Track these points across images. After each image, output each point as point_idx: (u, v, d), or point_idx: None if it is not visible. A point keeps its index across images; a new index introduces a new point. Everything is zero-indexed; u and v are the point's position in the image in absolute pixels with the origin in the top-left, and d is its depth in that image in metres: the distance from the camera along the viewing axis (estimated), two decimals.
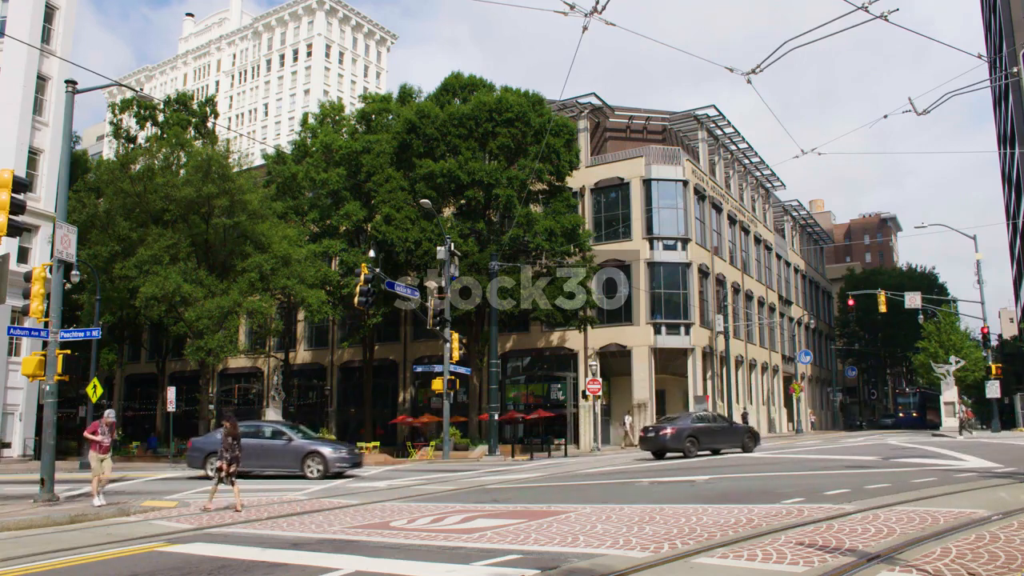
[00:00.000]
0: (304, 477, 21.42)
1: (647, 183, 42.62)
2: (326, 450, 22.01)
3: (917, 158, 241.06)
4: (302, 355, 51.06)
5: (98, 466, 14.66)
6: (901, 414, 67.92)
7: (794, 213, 66.87)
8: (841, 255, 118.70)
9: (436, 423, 37.68)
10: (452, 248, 31.28)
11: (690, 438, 25.43)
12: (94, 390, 29.92)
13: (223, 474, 13.99)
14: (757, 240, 55.26)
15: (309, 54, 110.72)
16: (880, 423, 69.57)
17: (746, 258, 52.53)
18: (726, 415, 38.94)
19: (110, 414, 15.51)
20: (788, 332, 60.51)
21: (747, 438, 27.43)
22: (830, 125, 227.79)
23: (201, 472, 22.03)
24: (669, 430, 25.50)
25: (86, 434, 15.06)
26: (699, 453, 25.63)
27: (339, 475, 22.17)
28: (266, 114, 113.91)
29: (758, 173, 57.79)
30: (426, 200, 32.68)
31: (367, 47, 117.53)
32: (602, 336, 41.02)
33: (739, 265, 50.86)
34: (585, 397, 36.54)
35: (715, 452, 26.55)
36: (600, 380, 35.88)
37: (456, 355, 31.19)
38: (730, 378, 44.27)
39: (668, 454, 25.72)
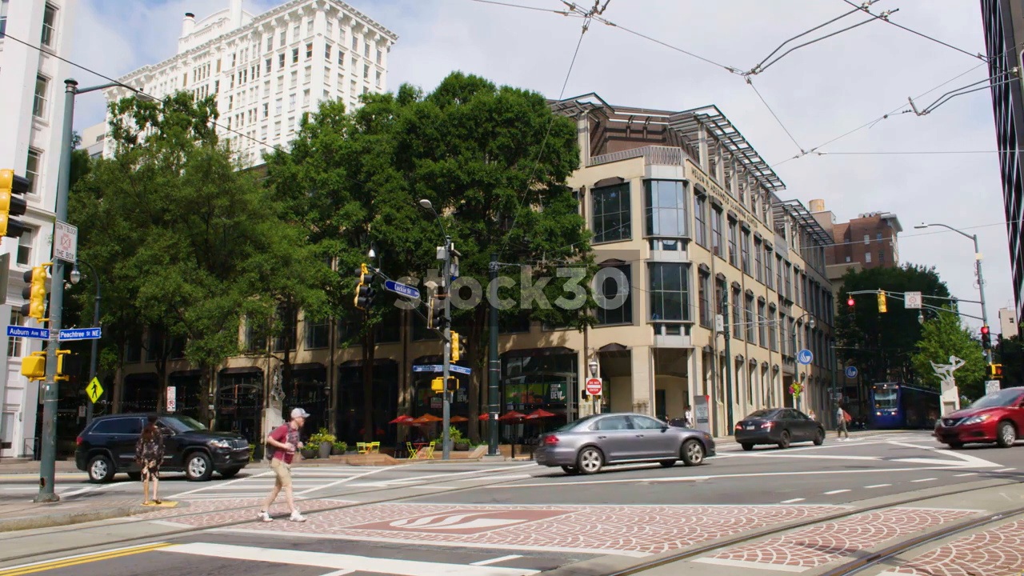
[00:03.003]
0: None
1: (647, 183, 42.63)
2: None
3: (917, 158, 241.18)
4: (302, 355, 51.06)
5: (286, 474, 12.32)
6: (879, 413, 61.78)
7: (794, 213, 66.88)
8: (841, 255, 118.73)
9: (436, 423, 37.68)
10: (452, 248, 31.27)
11: (783, 430, 29.09)
12: (94, 390, 29.95)
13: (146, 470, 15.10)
14: (757, 240, 55.26)
15: (309, 54, 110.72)
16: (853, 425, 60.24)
17: (746, 258, 52.53)
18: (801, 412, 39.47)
19: (300, 413, 12.77)
20: (788, 332, 60.52)
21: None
22: (831, 123, 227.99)
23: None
24: (769, 424, 28.86)
25: (271, 440, 12.31)
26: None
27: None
28: (266, 114, 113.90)
29: (758, 173, 57.80)
30: (426, 200, 32.68)
31: (367, 47, 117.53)
32: (602, 336, 41.02)
33: (739, 265, 50.86)
34: (585, 397, 36.53)
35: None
36: (600, 380, 35.86)
37: (456, 355, 31.18)
38: (730, 378, 44.27)
39: (756, 446, 29.19)
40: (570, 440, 19.72)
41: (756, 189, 58.18)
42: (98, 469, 22.36)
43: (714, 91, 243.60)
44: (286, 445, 12.27)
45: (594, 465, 19.62)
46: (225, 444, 22.21)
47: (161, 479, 21.48)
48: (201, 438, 22.37)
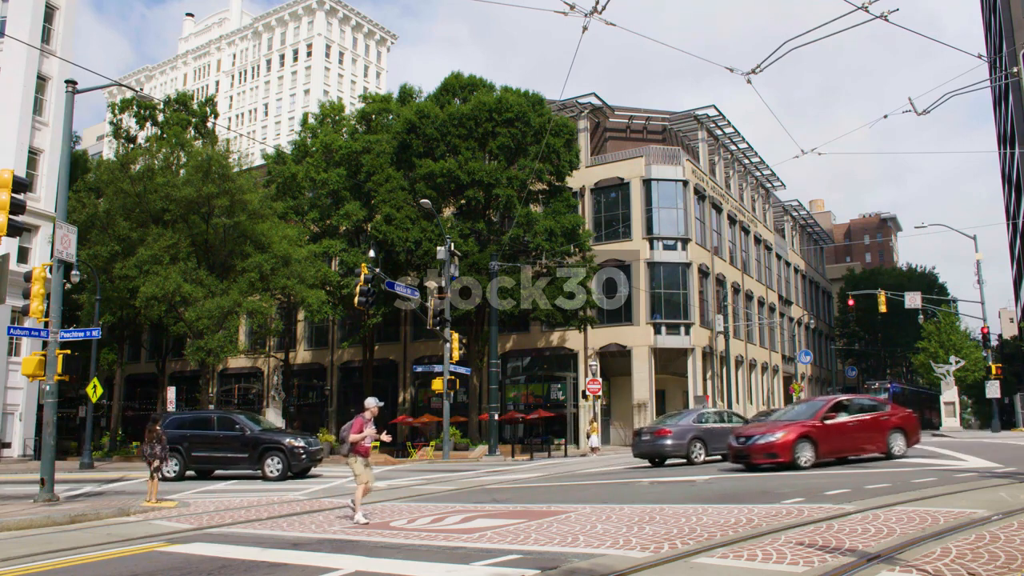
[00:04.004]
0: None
1: (647, 183, 42.63)
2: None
3: (917, 158, 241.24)
4: (302, 355, 51.06)
5: (363, 472, 11.36)
6: None
7: (794, 213, 66.89)
8: (841, 255, 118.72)
9: (436, 423, 37.69)
10: (452, 248, 31.27)
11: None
12: (94, 390, 29.94)
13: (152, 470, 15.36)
14: (757, 240, 55.27)
15: (309, 54, 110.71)
16: None
17: (746, 258, 52.53)
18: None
19: (374, 402, 11.87)
20: (788, 332, 60.51)
21: None
22: (831, 123, 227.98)
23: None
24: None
25: (352, 436, 11.28)
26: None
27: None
28: (266, 114, 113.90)
29: (758, 173, 57.80)
30: (426, 200, 32.68)
31: (367, 47, 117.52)
32: (602, 336, 41.02)
33: (739, 265, 50.86)
34: (585, 397, 36.54)
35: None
36: (600, 380, 35.88)
37: (456, 355, 31.18)
38: (730, 378, 44.27)
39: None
40: (681, 432, 21.47)
41: (756, 189, 58.19)
42: (168, 467, 21.26)
43: (714, 91, 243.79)
44: (365, 435, 11.37)
45: (700, 455, 21.45)
46: (301, 443, 21.22)
47: (235, 479, 21.24)
48: (277, 436, 21.52)
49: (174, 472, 21.50)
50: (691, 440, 21.43)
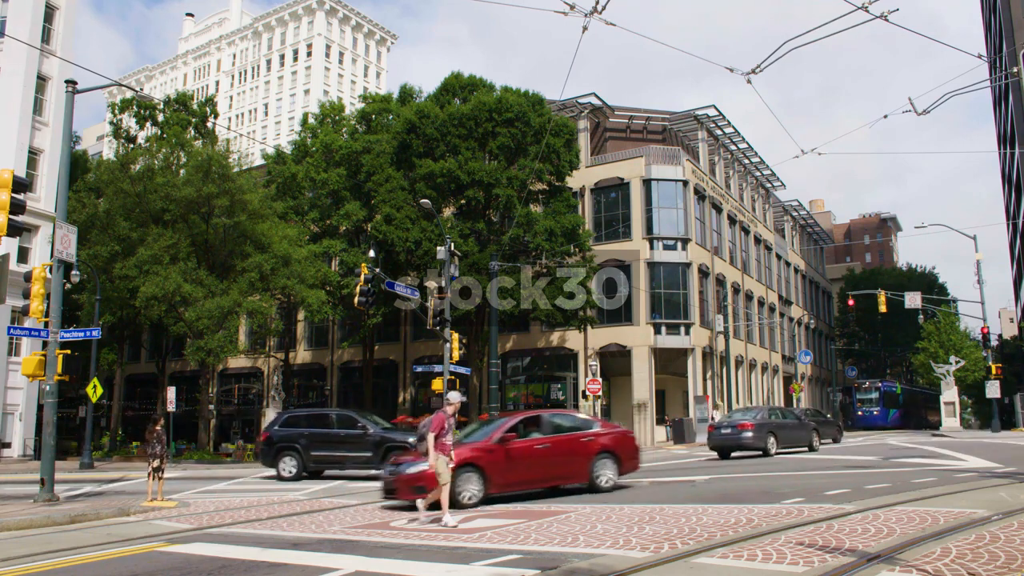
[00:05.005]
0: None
1: (647, 183, 42.63)
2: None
3: (917, 158, 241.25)
4: (302, 355, 51.06)
5: (445, 471, 10.89)
6: (860, 412, 57.86)
7: (794, 213, 66.88)
8: (841, 255, 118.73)
9: None
10: (452, 248, 31.22)
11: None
12: (94, 390, 29.93)
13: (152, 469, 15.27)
14: (757, 240, 55.27)
15: (309, 54, 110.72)
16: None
17: (746, 258, 52.53)
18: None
19: (457, 396, 11.38)
20: (788, 332, 60.51)
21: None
22: (831, 123, 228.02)
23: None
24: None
25: (430, 434, 10.99)
26: None
27: None
28: (266, 114, 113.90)
29: (758, 173, 57.80)
30: (426, 200, 32.66)
31: (367, 47, 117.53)
32: (602, 336, 41.02)
33: (739, 265, 50.86)
34: (585, 397, 36.52)
35: None
36: (600, 380, 35.88)
37: (456, 355, 31.15)
38: (730, 378, 44.27)
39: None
40: (760, 426, 23.57)
41: (756, 189, 58.18)
42: (287, 466, 20.80)
43: (714, 91, 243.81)
44: (446, 433, 10.91)
45: (773, 447, 23.57)
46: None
47: (360, 479, 20.37)
48: (401, 435, 21.09)
49: (291, 472, 20.69)
50: (767, 433, 23.60)
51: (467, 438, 13.86)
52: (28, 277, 16.35)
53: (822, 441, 27.31)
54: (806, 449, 25.38)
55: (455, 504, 12.13)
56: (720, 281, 46.77)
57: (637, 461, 15.44)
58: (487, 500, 12.90)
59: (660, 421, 41.17)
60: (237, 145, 50.27)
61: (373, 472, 20.01)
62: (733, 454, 24.17)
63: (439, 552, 8.48)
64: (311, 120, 46.16)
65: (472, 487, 12.83)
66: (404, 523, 11.08)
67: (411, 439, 20.42)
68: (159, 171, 34.94)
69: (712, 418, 38.22)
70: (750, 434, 23.27)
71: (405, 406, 45.53)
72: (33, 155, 36.78)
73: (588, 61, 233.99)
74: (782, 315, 59.16)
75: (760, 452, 23.49)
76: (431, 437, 10.97)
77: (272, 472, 21.51)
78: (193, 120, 44.41)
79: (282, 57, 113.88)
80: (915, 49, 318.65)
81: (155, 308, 31.34)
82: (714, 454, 24.92)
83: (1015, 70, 31.42)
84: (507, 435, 13.61)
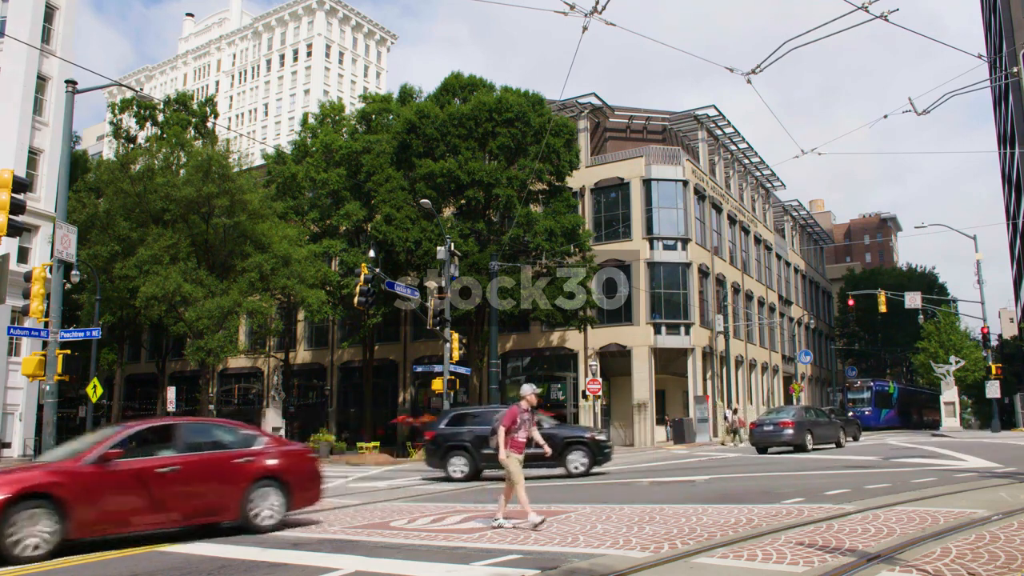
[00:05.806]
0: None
1: (647, 183, 42.62)
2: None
3: (917, 158, 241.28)
4: (302, 355, 51.05)
5: (517, 469, 10.09)
6: (851, 412, 53.98)
7: (794, 213, 66.89)
8: (841, 255, 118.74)
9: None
10: (452, 248, 31.25)
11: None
12: (94, 390, 29.95)
13: None
14: (757, 240, 55.27)
15: (309, 54, 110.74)
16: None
17: (746, 258, 52.53)
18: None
19: (531, 389, 10.65)
20: (788, 332, 60.51)
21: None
22: (831, 123, 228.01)
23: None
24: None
25: (501, 428, 10.07)
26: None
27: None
28: (266, 114, 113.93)
29: (758, 173, 57.81)
30: (426, 200, 32.67)
31: (367, 47, 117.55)
32: (602, 336, 41.01)
33: (739, 265, 50.87)
34: (585, 397, 36.54)
35: None
36: (600, 380, 35.89)
37: (456, 355, 31.17)
38: (730, 378, 44.29)
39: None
40: (798, 423, 25.49)
41: (756, 189, 58.18)
42: (456, 466, 19.66)
43: (714, 91, 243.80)
44: (519, 428, 10.13)
45: (809, 443, 25.59)
46: (603, 436, 20.22)
47: (537, 477, 19.06)
48: (578, 431, 20.83)
49: (462, 473, 19.55)
50: (806, 430, 25.66)
51: (54, 456, 10.44)
52: (28, 277, 16.37)
53: (846, 438, 29.71)
54: (834, 445, 27.49)
55: (10, 561, 8.41)
56: (720, 281, 46.77)
57: (317, 491, 11.60)
58: (66, 548, 8.95)
59: (660, 421, 41.18)
60: (237, 145, 50.26)
61: (547, 471, 19.33)
62: (770, 450, 26.17)
63: (439, 552, 8.48)
64: (311, 120, 46.17)
65: (38, 529, 8.72)
66: (404, 523, 11.09)
67: (588, 434, 20.16)
68: (159, 171, 34.93)
69: (725, 418, 39.40)
70: (791, 431, 25.19)
71: (405, 406, 45.53)
72: (33, 155, 36.79)
73: (588, 61, 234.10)
74: (782, 315, 59.17)
75: (795, 448, 25.49)
76: (502, 431, 10.01)
77: (441, 473, 20.22)
78: (193, 120, 44.42)
79: (282, 57, 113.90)
80: (915, 49, 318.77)
81: (155, 308, 31.33)
82: (714, 454, 25.80)
83: (1015, 70, 31.42)
84: (111, 451, 9.58)
